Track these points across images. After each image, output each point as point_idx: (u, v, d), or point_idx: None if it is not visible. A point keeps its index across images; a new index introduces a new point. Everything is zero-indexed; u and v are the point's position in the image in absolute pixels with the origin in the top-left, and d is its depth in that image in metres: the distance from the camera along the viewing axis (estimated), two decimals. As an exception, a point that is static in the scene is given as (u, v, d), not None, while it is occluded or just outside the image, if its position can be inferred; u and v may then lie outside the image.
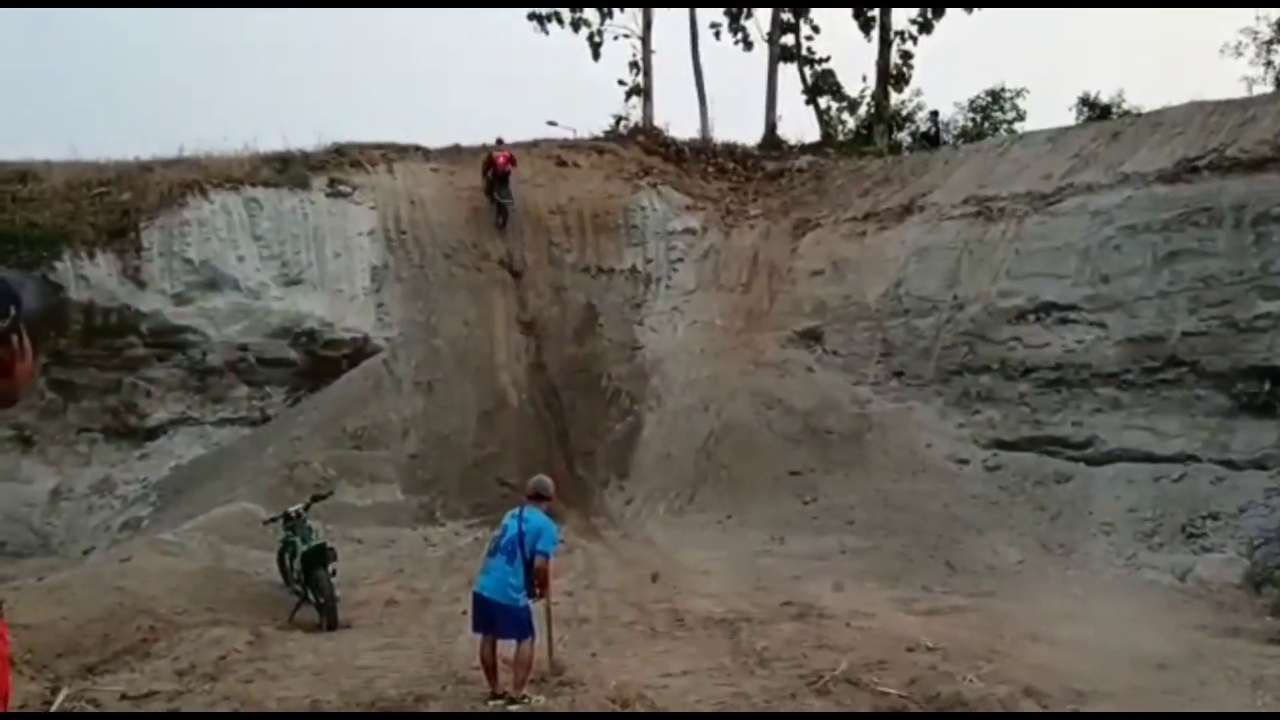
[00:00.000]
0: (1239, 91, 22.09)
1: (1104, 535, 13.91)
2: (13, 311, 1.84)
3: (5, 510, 16.64)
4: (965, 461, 15.99)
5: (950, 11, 29.73)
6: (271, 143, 22.38)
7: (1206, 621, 11.05)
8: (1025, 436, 15.86)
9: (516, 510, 8.51)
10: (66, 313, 17.76)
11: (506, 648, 8.19)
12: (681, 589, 12.48)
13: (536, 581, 8.22)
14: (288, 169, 21.23)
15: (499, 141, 23.17)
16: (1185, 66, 46.65)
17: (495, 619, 8.11)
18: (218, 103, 61.46)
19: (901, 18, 30.13)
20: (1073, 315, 16.13)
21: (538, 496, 8.55)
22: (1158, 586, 12.60)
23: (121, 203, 19.41)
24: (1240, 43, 27.49)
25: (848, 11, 30.61)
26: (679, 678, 8.63)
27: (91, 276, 18.36)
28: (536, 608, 8.40)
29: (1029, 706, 7.44)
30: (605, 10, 31.06)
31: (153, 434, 18.44)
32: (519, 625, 8.09)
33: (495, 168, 21.81)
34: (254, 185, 20.39)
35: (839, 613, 10.76)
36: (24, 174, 19.97)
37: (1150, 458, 14.56)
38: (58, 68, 67.84)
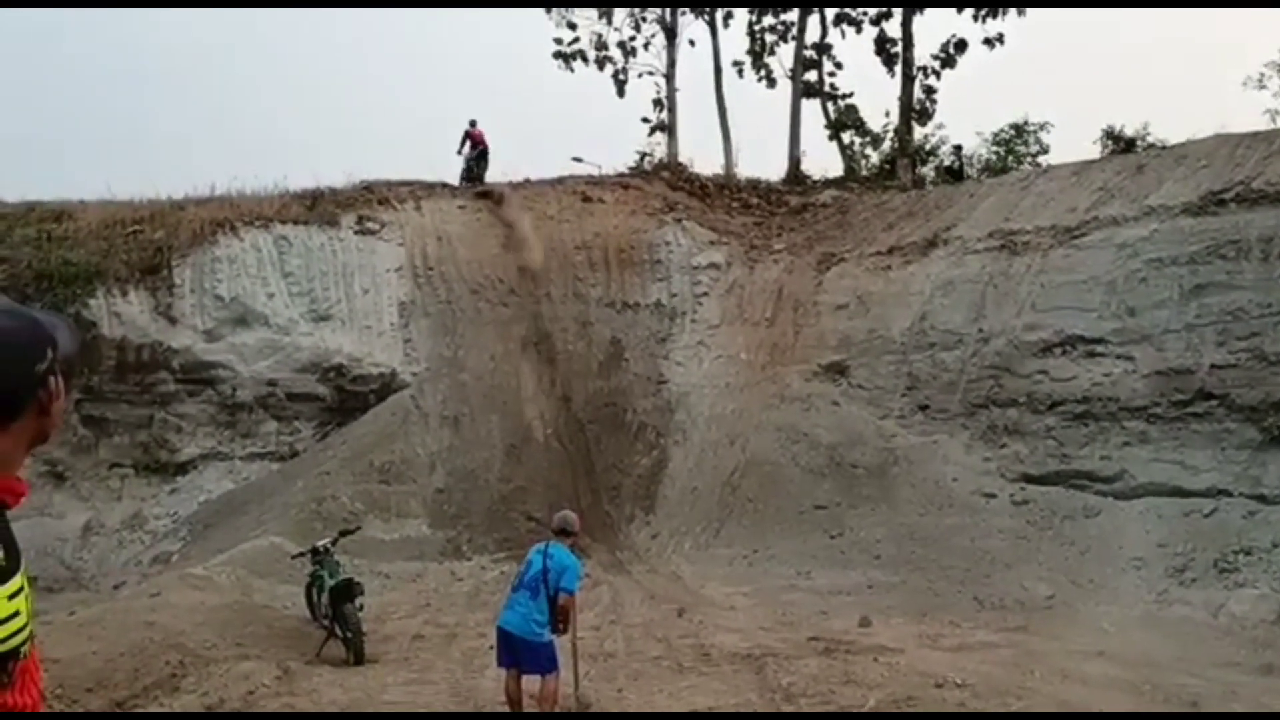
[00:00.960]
0: (1264, 124, 22.01)
1: (1134, 570, 13.76)
2: (50, 354, 1.91)
3: (37, 545, 16.76)
4: (992, 495, 15.89)
5: (973, 46, 29.86)
6: (302, 181, 22.76)
7: (1240, 659, 10.91)
8: (1053, 470, 15.76)
9: (541, 546, 8.51)
10: (99, 349, 18.04)
11: (532, 683, 8.20)
12: (707, 624, 12.45)
13: (560, 618, 8.22)
14: (317, 207, 21.51)
15: (473, 122, 25.85)
16: (1209, 100, 46.50)
17: (520, 654, 8.12)
18: (250, 142, 62.41)
19: (924, 53, 30.30)
20: (1099, 348, 16.06)
21: (563, 532, 8.51)
22: (1190, 623, 12.44)
23: (154, 241, 19.73)
24: (1264, 75, 27.38)
25: (870, 47, 30.82)
26: (705, 714, 8.60)
27: (124, 313, 18.65)
28: (561, 643, 8.40)
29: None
30: (630, 49, 31.41)
31: (183, 469, 18.63)
32: (543, 660, 8.10)
33: (473, 140, 25.65)
34: (284, 223, 20.68)
35: (866, 648, 10.71)
36: (60, 213, 20.37)
37: (1180, 492, 14.43)
38: (94, 110, 69.11)
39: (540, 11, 31.56)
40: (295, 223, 20.78)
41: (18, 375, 1.86)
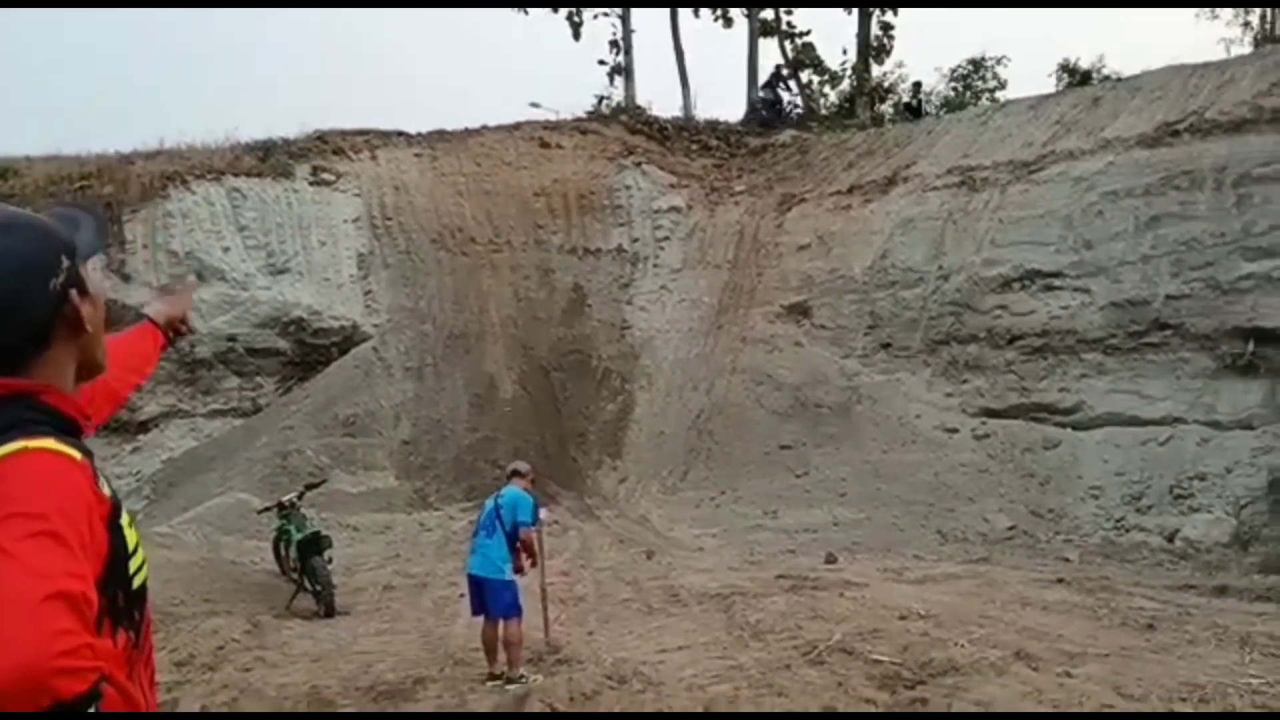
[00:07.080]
0: (1217, 54, 22.15)
1: (1092, 499, 14.04)
2: (65, 263, 1.61)
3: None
4: (954, 430, 16.10)
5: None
6: (253, 132, 22.37)
7: (1195, 581, 11.20)
8: (1013, 404, 15.98)
9: (495, 493, 8.73)
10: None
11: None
12: (676, 565, 12.59)
13: (524, 553, 8.34)
14: (270, 158, 21.17)
15: None
16: (1162, 30, 46.65)
17: (485, 596, 8.17)
18: (199, 95, 61.20)
19: (881, -11, 30.05)
20: (1057, 282, 16.22)
21: (515, 474, 8.83)
22: (1146, 548, 12.77)
23: (103, 196, 19.31)
24: (1216, 5, 27.46)
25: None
26: (675, 653, 8.71)
27: (76, 272, 18.31)
28: (530, 587, 8.47)
29: (1020, 669, 7.53)
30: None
31: (144, 427, 18.43)
32: (505, 601, 8.11)
33: None
34: (236, 175, 20.33)
35: (832, 584, 10.86)
36: (4, 170, 19.90)
37: (1136, 421, 14.69)
38: (40, 65, 67.37)
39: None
40: (248, 175, 20.44)
41: (28, 300, 1.57)
